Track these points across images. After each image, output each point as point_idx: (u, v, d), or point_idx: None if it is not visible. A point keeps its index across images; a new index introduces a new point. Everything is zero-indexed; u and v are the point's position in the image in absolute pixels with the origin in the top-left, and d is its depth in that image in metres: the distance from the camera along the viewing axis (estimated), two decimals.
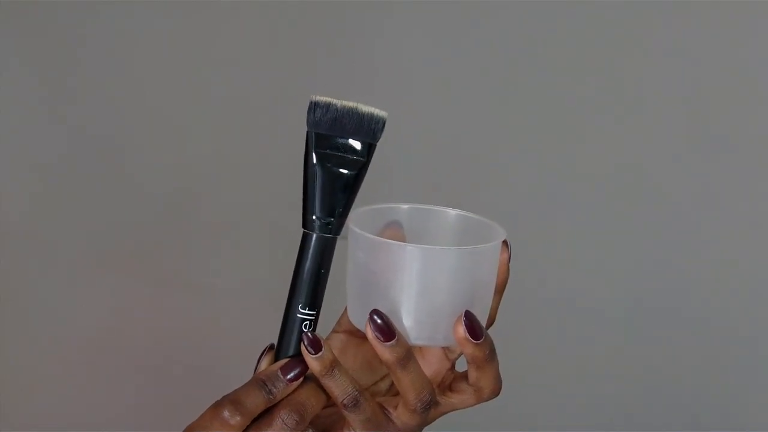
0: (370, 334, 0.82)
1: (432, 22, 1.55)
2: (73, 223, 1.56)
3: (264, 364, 0.86)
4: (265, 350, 0.86)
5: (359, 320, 0.84)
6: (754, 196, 1.53)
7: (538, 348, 1.59)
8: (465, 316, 0.82)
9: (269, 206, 1.57)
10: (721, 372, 1.56)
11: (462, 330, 0.82)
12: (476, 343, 0.82)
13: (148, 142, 1.57)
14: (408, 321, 0.83)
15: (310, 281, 0.85)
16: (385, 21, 1.56)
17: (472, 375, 0.85)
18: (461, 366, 0.88)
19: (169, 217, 1.58)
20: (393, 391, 0.91)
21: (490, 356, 0.83)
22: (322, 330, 0.86)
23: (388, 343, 0.82)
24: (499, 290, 0.87)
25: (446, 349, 0.88)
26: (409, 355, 0.83)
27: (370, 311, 0.82)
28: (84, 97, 1.55)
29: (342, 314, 0.91)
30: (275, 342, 0.86)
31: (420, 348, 0.88)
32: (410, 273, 0.82)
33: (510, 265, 0.87)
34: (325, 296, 0.86)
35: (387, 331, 0.82)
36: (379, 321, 0.82)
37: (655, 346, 1.57)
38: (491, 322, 0.87)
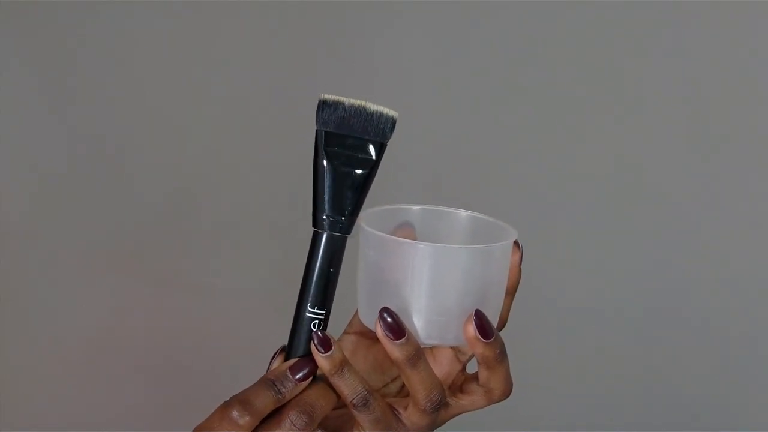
0: (379, 332, 0.82)
1: (432, 22, 1.55)
2: (73, 223, 1.55)
3: (275, 365, 0.85)
4: (277, 352, 0.85)
5: (369, 319, 0.84)
6: (754, 196, 1.53)
7: (536, 348, 1.59)
8: (475, 315, 0.82)
9: (268, 206, 1.57)
10: (721, 372, 1.56)
11: (472, 329, 0.82)
12: (486, 343, 0.82)
13: (148, 142, 1.56)
14: (418, 320, 0.83)
15: (320, 280, 0.84)
16: (385, 21, 1.56)
17: (483, 375, 0.84)
18: (472, 369, 0.87)
19: (169, 217, 1.58)
20: (403, 393, 0.90)
21: (500, 356, 0.83)
22: (334, 331, 0.86)
23: (398, 341, 0.82)
24: (511, 291, 0.86)
25: (457, 351, 0.88)
26: (419, 354, 0.82)
27: (380, 309, 0.82)
28: (84, 98, 1.55)
29: (353, 316, 0.91)
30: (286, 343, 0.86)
31: (431, 349, 0.88)
32: (421, 272, 0.82)
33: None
34: (336, 297, 0.85)
35: (397, 329, 0.82)
36: (389, 319, 0.82)
37: (655, 346, 1.57)
38: (503, 323, 0.87)
